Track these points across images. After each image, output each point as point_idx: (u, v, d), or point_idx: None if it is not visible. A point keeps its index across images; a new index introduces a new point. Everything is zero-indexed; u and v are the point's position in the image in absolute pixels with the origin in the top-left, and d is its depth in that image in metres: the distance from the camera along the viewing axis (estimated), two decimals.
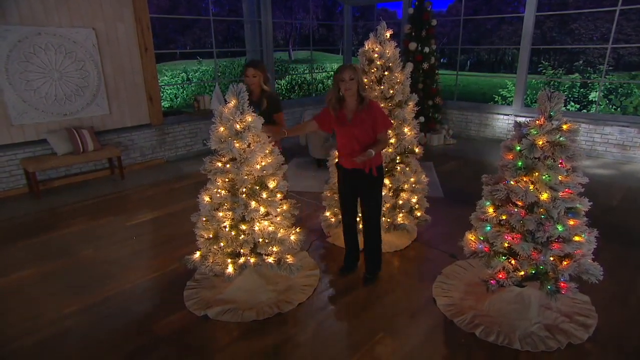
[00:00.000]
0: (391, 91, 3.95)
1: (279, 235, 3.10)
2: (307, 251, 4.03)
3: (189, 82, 16.80)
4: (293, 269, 3.11)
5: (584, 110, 11.66)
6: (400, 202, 4.18)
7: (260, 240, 3.08)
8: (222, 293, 3.34)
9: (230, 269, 3.08)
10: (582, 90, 12.39)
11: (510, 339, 2.79)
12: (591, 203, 2.74)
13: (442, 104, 8.68)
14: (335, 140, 3.41)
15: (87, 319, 3.15)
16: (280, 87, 15.50)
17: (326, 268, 3.80)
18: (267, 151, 3.04)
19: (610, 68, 15.82)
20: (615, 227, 4.46)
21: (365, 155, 3.02)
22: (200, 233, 3.14)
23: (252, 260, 3.12)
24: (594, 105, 11.13)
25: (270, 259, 3.08)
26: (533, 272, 2.85)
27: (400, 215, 4.19)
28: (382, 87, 3.97)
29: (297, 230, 3.23)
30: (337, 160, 3.53)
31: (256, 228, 3.04)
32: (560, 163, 2.64)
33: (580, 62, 18.07)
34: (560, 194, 2.66)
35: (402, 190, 4.19)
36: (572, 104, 12.10)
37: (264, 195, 3.00)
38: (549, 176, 2.62)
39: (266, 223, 3.07)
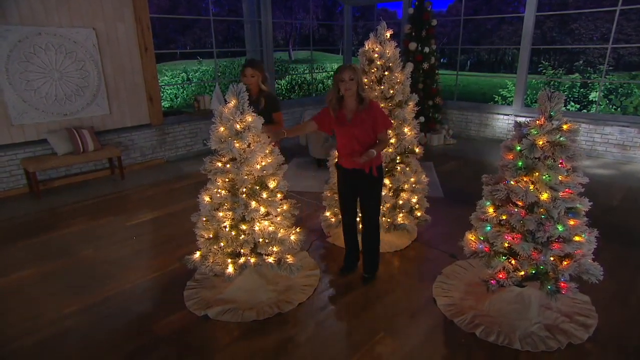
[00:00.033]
0: (391, 91, 3.95)
1: (279, 235, 3.10)
2: (307, 251, 4.03)
3: (189, 82, 16.80)
4: (293, 269, 3.11)
5: (584, 110, 11.66)
6: (401, 202, 4.18)
7: (261, 240, 3.08)
8: (222, 293, 3.34)
9: (230, 269, 3.08)
10: (582, 90, 12.39)
11: (511, 339, 2.79)
12: (591, 203, 2.74)
13: (442, 104, 8.68)
14: (335, 140, 3.41)
15: (87, 319, 3.15)
16: (280, 87, 15.50)
17: (326, 268, 3.80)
18: (267, 151, 3.04)
19: (611, 68, 15.82)
20: (615, 227, 4.46)
21: (368, 155, 3.02)
22: (200, 233, 3.14)
23: (253, 260, 3.12)
24: (594, 105, 11.13)
25: (271, 259, 3.08)
26: (533, 272, 2.85)
27: (401, 215, 4.19)
28: (382, 87, 3.97)
29: (297, 230, 3.23)
30: (336, 160, 3.53)
31: (256, 228, 3.04)
32: (561, 163, 2.64)
33: (581, 62, 18.08)
34: (561, 194, 2.66)
35: (402, 190, 4.19)
36: (572, 104, 12.10)
37: (264, 195, 3.00)
38: (549, 176, 2.62)
39: (266, 223, 3.07)
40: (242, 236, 3.04)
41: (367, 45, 3.99)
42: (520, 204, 2.73)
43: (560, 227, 2.67)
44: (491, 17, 29.47)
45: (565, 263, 2.74)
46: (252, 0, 8.69)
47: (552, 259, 2.77)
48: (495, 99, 14.14)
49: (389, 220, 4.19)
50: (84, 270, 3.83)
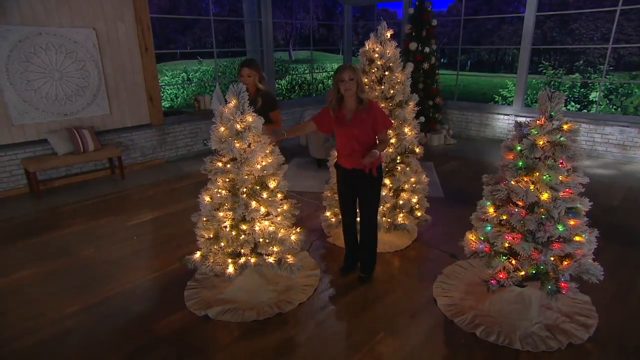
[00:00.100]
0: (392, 91, 3.95)
1: (280, 235, 3.10)
2: (308, 251, 4.03)
3: (189, 82, 16.81)
4: (293, 269, 3.11)
5: (585, 110, 11.66)
6: (401, 202, 4.18)
7: (261, 240, 3.08)
8: (222, 293, 3.34)
9: (230, 269, 3.08)
10: (582, 90, 12.39)
11: (511, 339, 2.79)
12: (592, 203, 2.74)
13: (443, 104, 8.67)
14: (335, 140, 3.41)
15: (87, 319, 3.15)
16: (280, 87, 15.50)
17: (326, 268, 3.80)
18: (268, 151, 3.04)
19: (611, 68, 15.80)
20: (615, 227, 4.46)
21: (371, 156, 3.02)
22: (200, 233, 3.14)
23: (253, 260, 3.12)
24: (594, 105, 11.13)
25: (271, 259, 3.08)
26: (533, 272, 2.85)
27: (401, 215, 4.19)
28: (382, 87, 3.97)
29: (298, 230, 3.23)
30: (336, 160, 3.53)
31: (257, 228, 3.04)
32: (561, 163, 2.64)
33: (581, 62, 18.06)
34: (561, 194, 2.66)
35: (403, 190, 4.19)
36: (573, 104, 12.09)
37: (265, 195, 3.00)
38: (549, 176, 2.62)
39: (267, 223, 3.07)
40: (243, 236, 3.04)
41: (368, 45, 3.99)
42: (520, 204, 2.73)
43: (560, 227, 2.67)
44: (491, 17, 29.47)
45: (565, 263, 2.74)
46: (252, 0, 8.69)
47: (552, 259, 2.77)
48: (496, 99, 14.14)
49: (389, 220, 4.19)
50: (85, 270, 3.83)
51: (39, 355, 2.81)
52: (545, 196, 2.64)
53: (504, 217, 2.81)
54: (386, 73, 3.96)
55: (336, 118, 3.23)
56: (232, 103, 2.87)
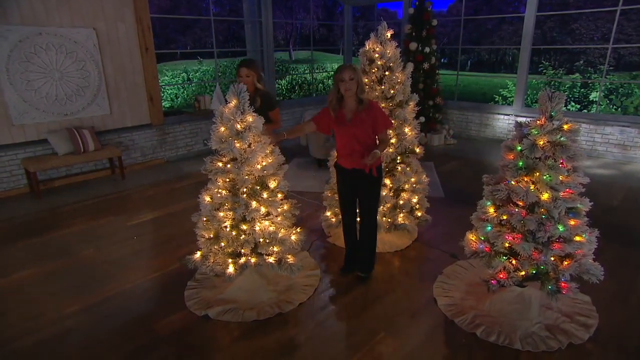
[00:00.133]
0: (392, 91, 3.95)
1: (280, 235, 3.10)
2: (308, 251, 4.03)
3: (189, 82, 16.81)
4: (294, 269, 3.11)
5: (585, 110, 11.66)
6: (401, 202, 4.18)
7: (261, 240, 3.08)
8: (222, 293, 3.34)
9: (231, 269, 3.08)
10: (582, 90, 12.38)
11: (511, 339, 2.79)
12: (592, 203, 2.74)
13: (443, 104, 8.67)
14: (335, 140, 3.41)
15: (87, 319, 3.15)
16: (280, 87, 15.50)
17: (327, 268, 3.80)
18: (268, 151, 3.04)
19: (611, 68, 15.79)
20: (616, 227, 4.46)
21: (373, 156, 3.02)
22: (201, 233, 3.14)
23: (253, 260, 3.12)
24: (594, 105, 11.12)
25: (271, 259, 3.08)
26: (534, 272, 2.84)
27: (401, 215, 4.19)
28: (383, 87, 3.97)
29: (298, 230, 3.23)
30: (335, 160, 3.53)
31: (257, 228, 3.04)
32: (561, 163, 2.64)
33: (581, 62, 18.06)
34: (561, 194, 2.66)
35: (403, 190, 4.19)
36: (573, 104, 12.09)
37: (265, 195, 3.00)
38: (549, 176, 2.62)
39: (267, 223, 3.07)
40: (243, 236, 3.04)
41: (368, 45, 3.99)
42: (520, 204, 2.73)
43: (560, 227, 2.67)
44: (491, 17, 29.46)
45: (565, 263, 2.74)
46: (252, 0, 8.69)
47: (552, 259, 2.77)
48: (496, 99, 14.14)
49: (389, 220, 4.19)
50: (85, 270, 3.83)
51: (39, 355, 2.81)
52: (545, 196, 2.64)
53: (504, 217, 2.81)
54: (386, 73, 3.96)
55: (336, 118, 3.23)
56: (233, 103, 2.87)
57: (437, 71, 8.47)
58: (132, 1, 6.42)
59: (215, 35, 8.95)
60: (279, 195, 3.08)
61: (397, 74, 3.97)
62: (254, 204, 2.95)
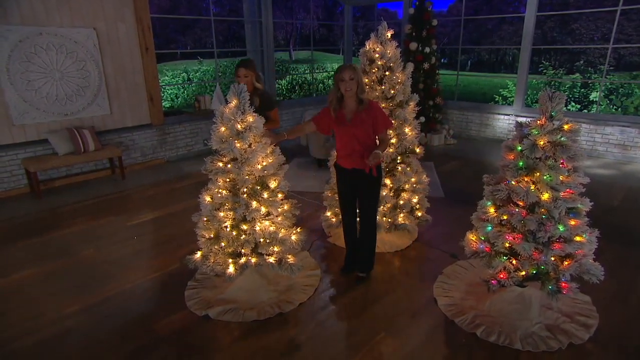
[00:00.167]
0: (392, 91, 3.96)
1: (280, 235, 3.10)
2: (308, 251, 4.03)
3: (189, 82, 16.82)
4: (294, 268, 3.11)
5: (585, 111, 11.66)
6: (401, 202, 4.18)
7: (262, 240, 3.08)
8: (223, 293, 3.34)
9: (231, 269, 3.08)
10: (582, 90, 12.39)
11: (512, 339, 2.79)
12: (592, 203, 2.74)
13: (443, 104, 8.67)
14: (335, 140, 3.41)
15: (87, 319, 3.15)
16: (280, 87, 15.50)
17: (327, 268, 3.80)
18: (268, 151, 3.04)
19: (611, 68, 15.80)
20: (616, 227, 4.46)
21: (375, 157, 3.03)
22: (201, 233, 3.14)
23: (253, 260, 3.12)
24: (594, 106, 11.12)
25: (271, 259, 3.08)
26: (534, 272, 2.84)
27: (401, 215, 4.19)
28: (383, 87, 3.97)
29: (298, 230, 3.23)
30: (335, 160, 3.53)
31: (257, 228, 3.04)
32: (562, 163, 2.64)
33: (581, 62, 18.07)
34: (562, 194, 2.66)
35: (403, 190, 4.19)
36: (573, 104, 12.09)
37: (265, 195, 3.00)
38: (550, 176, 2.62)
39: (267, 223, 3.07)
40: (243, 236, 3.04)
41: (368, 45, 3.99)
42: (521, 204, 2.73)
43: (561, 227, 2.67)
44: (492, 17, 29.46)
45: (566, 263, 2.74)
46: (252, 0, 8.69)
47: (553, 259, 2.77)
48: (496, 99, 14.14)
49: (389, 220, 4.19)
50: (85, 270, 3.83)
51: (39, 355, 2.81)
52: (545, 196, 2.64)
53: (505, 217, 2.81)
54: (387, 73, 3.96)
55: (336, 118, 3.23)
56: (233, 103, 2.88)
57: (437, 71, 8.48)
58: (132, 1, 6.42)
59: (216, 35, 8.95)
60: (280, 195, 3.08)
61: (397, 74, 3.97)
62: (254, 204, 2.95)
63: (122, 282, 3.62)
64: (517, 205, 2.75)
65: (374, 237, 3.56)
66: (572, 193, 2.68)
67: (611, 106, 11.26)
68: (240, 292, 3.30)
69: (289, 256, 3.15)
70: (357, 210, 3.56)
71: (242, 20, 9.16)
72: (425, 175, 4.34)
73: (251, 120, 2.90)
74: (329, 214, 4.34)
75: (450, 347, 2.84)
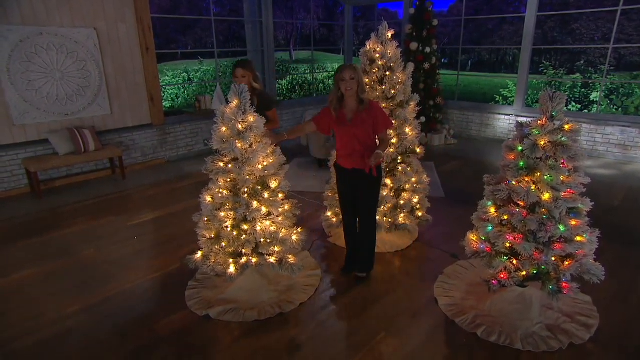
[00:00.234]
0: (393, 91, 3.95)
1: (281, 235, 3.10)
2: (309, 251, 4.03)
3: (190, 82, 16.82)
4: (294, 268, 3.11)
5: (585, 111, 11.66)
6: (402, 202, 4.17)
7: (262, 240, 3.08)
8: (223, 293, 3.34)
9: (232, 269, 3.08)
10: (583, 90, 12.39)
11: (512, 339, 2.79)
12: (593, 203, 2.74)
13: (443, 104, 8.67)
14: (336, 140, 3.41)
15: (87, 319, 3.15)
16: (281, 87, 15.50)
17: (327, 268, 3.80)
18: (269, 151, 3.04)
19: (612, 68, 15.81)
20: (616, 227, 4.46)
21: (376, 157, 3.03)
22: (202, 233, 3.14)
23: (254, 260, 3.12)
24: (595, 106, 11.12)
25: (272, 259, 3.08)
26: (535, 272, 2.84)
27: (402, 215, 4.19)
28: (383, 87, 3.97)
29: (299, 230, 3.23)
30: (335, 160, 3.52)
31: (258, 228, 3.04)
32: (562, 163, 2.64)
33: (582, 62, 18.07)
34: (562, 194, 2.66)
35: (404, 190, 4.19)
36: (574, 104, 12.09)
37: (266, 195, 3.00)
38: (550, 176, 2.62)
39: (268, 223, 3.07)
40: (244, 236, 3.04)
41: (369, 45, 3.99)
42: (521, 204, 2.73)
43: (561, 227, 2.67)
44: (492, 17, 29.46)
45: (566, 263, 2.74)
46: (253, 0, 8.70)
47: (553, 259, 2.76)
48: (496, 99, 14.14)
49: (390, 220, 4.19)
50: (85, 270, 3.83)
51: (40, 355, 2.81)
52: (546, 196, 2.64)
53: (505, 217, 2.81)
54: (387, 73, 3.96)
55: (337, 118, 3.24)
56: (234, 103, 2.88)
57: (437, 71, 8.48)
58: (133, 1, 6.43)
59: (216, 35, 8.95)
60: (280, 195, 3.09)
61: (397, 74, 3.97)
62: (255, 204, 2.95)
63: (122, 282, 3.62)
64: (518, 205, 2.75)
65: (373, 237, 3.56)
66: (572, 193, 2.68)
67: (612, 106, 11.26)
68: (241, 292, 3.30)
69: (290, 256, 3.15)
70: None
71: (242, 20, 9.16)
72: (425, 175, 4.34)
73: (252, 120, 2.90)
74: (329, 214, 4.34)
75: (450, 347, 2.84)
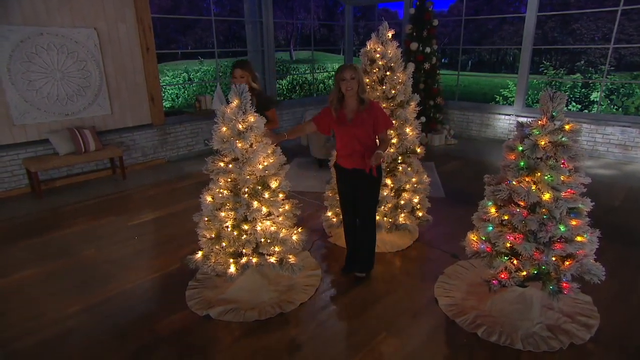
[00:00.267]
0: (393, 91, 3.96)
1: (281, 235, 3.10)
2: (309, 251, 4.03)
3: (190, 82, 16.81)
4: (295, 268, 3.11)
5: (586, 111, 11.65)
6: (402, 202, 4.17)
7: (262, 240, 3.08)
8: (224, 293, 3.34)
9: (232, 269, 3.08)
10: (583, 90, 12.38)
11: (513, 339, 2.79)
12: (593, 203, 2.74)
13: (444, 104, 8.68)
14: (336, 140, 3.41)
15: (88, 319, 3.15)
16: (281, 87, 15.49)
17: (328, 268, 3.80)
18: (269, 151, 3.04)
19: (612, 68, 15.77)
20: (617, 227, 4.46)
21: (377, 157, 3.04)
22: (202, 233, 3.14)
23: (254, 260, 3.12)
24: (595, 106, 11.12)
25: (272, 259, 3.08)
26: (535, 272, 2.84)
27: (402, 215, 4.19)
28: (384, 87, 3.97)
29: (299, 230, 3.23)
30: (335, 160, 3.52)
31: (258, 228, 3.04)
32: (563, 163, 2.64)
33: (582, 62, 18.06)
34: (563, 194, 2.66)
35: (404, 190, 4.19)
36: (574, 104, 12.09)
37: (266, 195, 3.00)
38: (551, 176, 2.62)
39: (268, 223, 3.07)
40: (244, 236, 3.04)
41: (369, 45, 3.99)
42: (522, 204, 2.73)
43: (562, 228, 2.66)
44: (492, 17, 29.45)
45: (567, 263, 2.73)
46: (253, 0, 8.70)
47: (554, 259, 2.76)
48: (497, 99, 14.13)
49: (390, 220, 4.19)
50: (86, 270, 3.84)
51: (40, 355, 2.81)
52: (546, 196, 2.64)
53: (506, 217, 2.81)
54: (387, 73, 3.96)
55: (337, 118, 3.24)
56: (235, 103, 2.88)
57: (438, 71, 8.48)
58: (133, 1, 6.43)
59: (216, 35, 8.95)
60: (280, 195, 3.09)
61: (398, 74, 3.97)
62: (255, 204, 2.95)
63: (122, 282, 3.62)
64: (518, 206, 2.75)
65: (373, 237, 3.56)
66: (573, 193, 2.68)
67: (612, 106, 11.26)
68: (241, 292, 3.30)
69: (290, 256, 3.15)
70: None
71: (242, 21, 9.17)
72: (426, 175, 4.34)
73: (252, 120, 2.90)
74: (329, 214, 4.34)
75: (451, 347, 2.84)
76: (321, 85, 16.36)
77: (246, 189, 2.98)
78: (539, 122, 2.64)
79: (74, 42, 5.96)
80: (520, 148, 2.71)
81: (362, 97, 3.14)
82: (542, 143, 2.62)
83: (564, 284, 2.77)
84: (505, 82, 15.22)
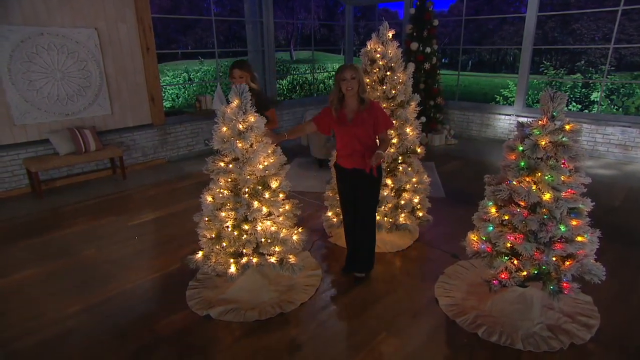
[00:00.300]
0: (393, 91, 3.96)
1: (281, 235, 3.10)
2: (309, 251, 4.03)
3: (190, 82, 16.81)
4: (295, 268, 3.11)
5: (586, 111, 11.65)
6: (402, 202, 4.17)
7: (263, 240, 3.08)
8: (224, 293, 3.34)
9: (232, 269, 3.08)
10: (583, 90, 12.38)
11: (513, 339, 2.78)
12: (593, 203, 2.74)
13: (444, 104, 8.67)
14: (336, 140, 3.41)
15: (88, 319, 3.15)
16: (281, 87, 15.49)
17: (328, 268, 3.80)
18: (270, 151, 3.04)
19: (612, 68, 15.76)
20: (617, 227, 4.46)
21: (377, 157, 3.04)
22: (202, 233, 3.14)
23: (255, 260, 3.12)
24: (595, 106, 11.11)
25: (273, 259, 3.08)
26: (535, 272, 2.84)
27: (402, 215, 4.19)
28: (384, 87, 3.97)
29: (299, 230, 3.23)
30: (335, 160, 3.52)
31: (258, 228, 3.04)
32: (563, 163, 2.64)
33: (582, 62, 18.06)
34: (563, 194, 2.66)
35: (404, 190, 4.19)
36: (574, 104, 12.08)
37: (267, 195, 3.00)
38: (551, 176, 2.62)
39: (268, 223, 3.07)
40: (245, 236, 3.04)
41: (370, 45, 3.99)
42: (522, 204, 2.73)
43: (562, 228, 2.66)
44: (493, 17, 29.44)
45: (567, 263, 2.73)
46: (253, 0, 8.70)
47: (554, 259, 2.76)
48: (497, 99, 14.13)
49: (390, 220, 4.19)
50: (86, 270, 3.84)
51: (40, 355, 2.81)
52: (547, 196, 2.64)
53: (506, 217, 2.81)
54: (388, 73, 3.96)
55: (337, 118, 3.24)
56: (235, 103, 2.88)
57: (438, 71, 8.48)
58: (133, 1, 6.43)
59: (217, 35, 8.95)
60: (281, 195, 3.09)
61: (398, 74, 3.97)
62: (255, 204, 2.95)
63: (123, 282, 3.62)
64: (519, 206, 2.75)
65: (373, 238, 3.56)
66: (573, 193, 2.68)
67: (612, 106, 11.25)
68: (242, 292, 3.30)
69: (290, 256, 3.15)
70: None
71: (243, 21, 9.17)
72: (426, 176, 4.34)
73: (253, 120, 2.90)
74: (330, 214, 4.34)
75: (451, 347, 2.84)
76: (321, 85, 16.36)
77: (246, 189, 2.98)
78: (540, 122, 2.64)
79: (74, 42, 5.96)
80: (521, 148, 2.71)
81: (363, 97, 3.15)
82: (543, 143, 2.62)
83: (565, 284, 2.77)
84: (505, 82, 15.21)
